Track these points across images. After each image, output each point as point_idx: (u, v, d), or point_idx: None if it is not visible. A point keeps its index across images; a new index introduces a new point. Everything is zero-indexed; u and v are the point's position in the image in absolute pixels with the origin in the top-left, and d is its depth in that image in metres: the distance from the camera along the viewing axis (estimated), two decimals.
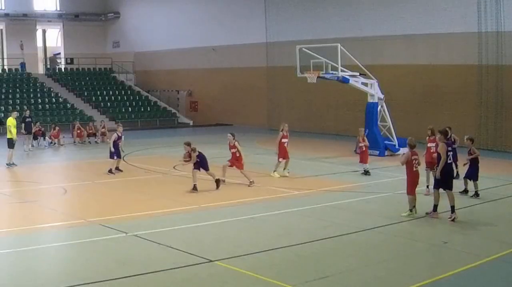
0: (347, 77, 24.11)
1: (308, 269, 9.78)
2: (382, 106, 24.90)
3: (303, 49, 24.82)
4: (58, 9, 46.79)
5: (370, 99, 24.82)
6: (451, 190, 13.30)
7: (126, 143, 28.58)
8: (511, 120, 26.19)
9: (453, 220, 12.99)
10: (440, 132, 13.82)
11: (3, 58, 44.67)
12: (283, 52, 33.72)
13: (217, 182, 16.75)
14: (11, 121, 21.17)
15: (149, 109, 42.16)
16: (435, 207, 13.42)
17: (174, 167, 20.57)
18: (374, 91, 24.75)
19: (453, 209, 13.10)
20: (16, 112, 22.59)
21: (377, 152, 23.50)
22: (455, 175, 15.48)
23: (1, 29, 45.10)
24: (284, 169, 19.18)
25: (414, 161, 13.56)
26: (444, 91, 28.32)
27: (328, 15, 32.95)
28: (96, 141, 29.33)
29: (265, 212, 13.88)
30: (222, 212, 13.89)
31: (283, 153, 19.05)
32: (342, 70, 23.83)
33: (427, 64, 28.90)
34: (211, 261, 10.01)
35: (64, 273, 9.56)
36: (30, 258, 10.33)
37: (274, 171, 19.10)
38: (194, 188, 16.22)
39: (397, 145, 24.32)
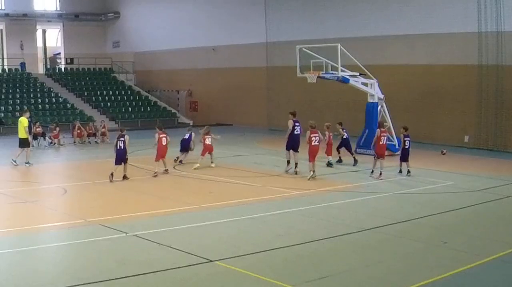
0: (347, 77, 24.10)
1: (308, 269, 9.78)
2: (382, 106, 24.88)
3: (303, 49, 24.81)
4: (58, 9, 46.77)
5: (370, 99, 24.81)
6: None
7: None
8: (511, 120, 26.19)
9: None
10: (291, 113, 19.74)
11: (3, 58, 44.66)
12: (283, 52, 33.72)
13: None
14: (25, 121, 21.59)
15: (149, 109, 42.14)
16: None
17: (174, 167, 20.58)
18: (374, 91, 24.74)
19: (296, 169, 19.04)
20: (28, 112, 23.02)
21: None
22: (339, 160, 21.85)
23: (1, 29, 45.07)
24: None
25: (313, 138, 18.48)
26: (444, 91, 28.31)
27: (328, 15, 32.94)
28: (96, 141, 29.33)
29: (265, 212, 13.88)
30: (222, 212, 13.89)
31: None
32: (342, 70, 23.81)
33: (427, 64, 28.89)
34: (211, 261, 10.01)
35: (64, 273, 9.55)
36: (30, 258, 10.33)
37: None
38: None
39: (397, 144, 24.29)
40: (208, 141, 21.08)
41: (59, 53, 48.96)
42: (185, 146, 21.50)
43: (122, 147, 17.79)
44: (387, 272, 9.78)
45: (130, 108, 41.53)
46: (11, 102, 37.46)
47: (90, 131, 29.76)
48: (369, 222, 12.90)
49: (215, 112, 40.77)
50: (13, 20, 43.85)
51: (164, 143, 19.14)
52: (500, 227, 13.04)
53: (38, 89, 40.75)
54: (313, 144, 18.51)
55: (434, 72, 28.57)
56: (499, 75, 26.17)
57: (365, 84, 24.80)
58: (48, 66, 46.96)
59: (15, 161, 21.03)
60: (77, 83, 43.32)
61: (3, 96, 38.11)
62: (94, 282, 8.95)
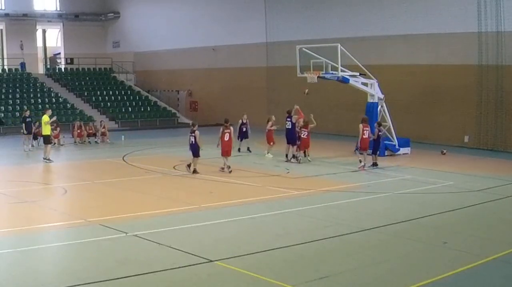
0: (347, 77, 24.09)
1: (308, 269, 9.78)
2: (382, 106, 24.87)
3: (303, 49, 24.81)
4: (58, 9, 46.77)
5: (370, 99, 24.80)
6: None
7: (126, 143, 28.74)
8: (511, 120, 26.19)
9: None
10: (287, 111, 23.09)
11: (3, 58, 44.65)
12: (283, 52, 33.71)
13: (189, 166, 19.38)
14: (46, 118, 22.76)
15: (149, 109, 42.13)
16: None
17: (174, 167, 20.58)
18: (374, 91, 24.72)
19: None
20: (50, 110, 24.18)
21: (377, 152, 23.50)
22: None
23: (1, 29, 45.06)
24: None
25: (303, 132, 21.68)
26: (444, 91, 28.30)
27: (328, 15, 32.93)
28: (96, 141, 29.33)
29: (265, 212, 13.88)
30: (222, 212, 13.89)
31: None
32: (342, 70, 23.80)
33: (427, 64, 28.89)
34: (211, 261, 10.00)
35: (64, 273, 9.55)
36: (30, 258, 10.32)
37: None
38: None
39: (397, 144, 24.33)
40: (303, 135, 23.09)
41: (59, 53, 48.95)
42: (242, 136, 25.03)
43: (194, 142, 19.07)
44: (387, 272, 9.78)
45: (130, 108, 41.53)
46: (11, 102, 37.44)
47: (90, 131, 29.75)
48: (369, 222, 12.89)
49: (215, 112, 40.72)
50: (13, 20, 43.83)
51: (226, 139, 19.58)
52: (500, 227, 13.04)
53: (38, 89, 40.75)
54: (302, 136, 21.68)
55: (434, 72, 28.56)
56: (499, 75, 26.16)
57: (365, 84, 24.79)
58: (48, 66, 46.96)
59: (49, 159, 22.01)
60: (77, 83, 43.31)
61: (3, 96, 38.10)
62: (94, 282, 8.94)
